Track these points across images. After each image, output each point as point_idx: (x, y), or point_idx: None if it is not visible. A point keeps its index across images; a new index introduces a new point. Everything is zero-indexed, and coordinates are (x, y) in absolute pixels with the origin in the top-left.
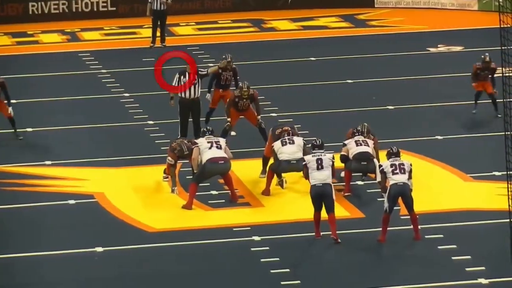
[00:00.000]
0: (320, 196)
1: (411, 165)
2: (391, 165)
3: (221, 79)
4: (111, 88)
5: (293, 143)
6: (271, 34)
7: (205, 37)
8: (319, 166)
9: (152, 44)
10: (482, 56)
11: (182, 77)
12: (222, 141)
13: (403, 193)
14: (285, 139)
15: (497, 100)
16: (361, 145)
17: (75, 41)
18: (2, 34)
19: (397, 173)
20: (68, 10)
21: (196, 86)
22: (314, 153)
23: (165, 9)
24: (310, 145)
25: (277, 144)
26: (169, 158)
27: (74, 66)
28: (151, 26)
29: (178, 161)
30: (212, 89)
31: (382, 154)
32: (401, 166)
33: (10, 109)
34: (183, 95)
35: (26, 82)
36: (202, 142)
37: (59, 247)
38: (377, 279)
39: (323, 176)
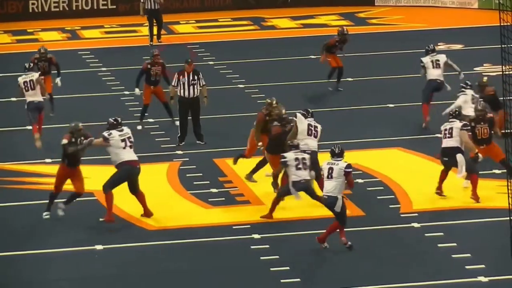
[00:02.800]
0: (327, 206)
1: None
2: (295, 159)
3: (150, 75)
4: (112, 86)
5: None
6: (271, 32)
7: (205, 35)
8: (329, 175)
9: (151, 43)
10: (340, 29)
11: (181, 77)
12: (129, 134)
13: (307, 189)
14: (299, 161)
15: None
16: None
17: (75, 39)
18: (2, 32)
19: (300, 169)
20: (68, 8)
21: (195, 85)
22: (330, 161)
23: (159, 8)
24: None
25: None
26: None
27: (75, 64)
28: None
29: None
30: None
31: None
32: (304, 161)
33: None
34: (182, 94)
35: None
36: (115, 136)
37: (60, 245)
38: (376, 277)
39: (329, 187)
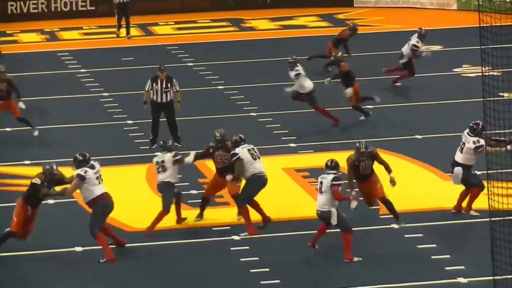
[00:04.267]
0: (321, 219)
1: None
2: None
3: None
4: (90, 88)
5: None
6: (250, 34)
7: (184, 37)
8: (320, 189)
9: (118, 32)
10: (352, 24)
11: (154, 84)
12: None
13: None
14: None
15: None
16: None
17: (54, 41)
18: None
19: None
20: (47, 10)
21: (168, 92)
22: (323, 175)
23: (129, 1)
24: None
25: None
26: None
27: (54, 65)
28: (131, 26)
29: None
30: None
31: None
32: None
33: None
34: (155, 99)
35: None
36: (90, 174)
37: (40, 246)
38: (357, 278)
39: (320, 201)
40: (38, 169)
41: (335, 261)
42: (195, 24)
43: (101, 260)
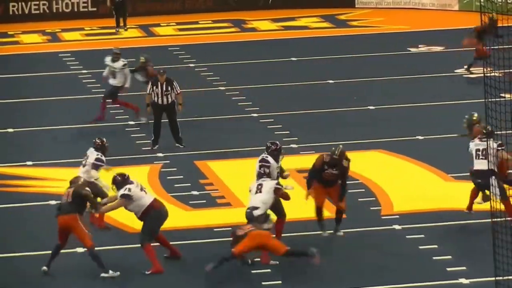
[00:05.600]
0: None
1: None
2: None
3: None
4: (92, 89)
5: None
6: (252, 35)
7: (186, 38)
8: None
9: (117, 29)
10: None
11: (154, 87)
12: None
13: None
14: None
15: None
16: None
17: (55, 42)
18: None
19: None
20: (48, 11)
21: (169, 95)
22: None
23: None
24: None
25: None
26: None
27: (55, 66)
28: (131, 26)
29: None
30: None
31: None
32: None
33: None
34: (156, 100)
35: (7, 83)
36: (134, 189)
37: (40, 247)
38: (358, 279)
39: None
40: (40, 170)
41: (336, 262)
42: (197, 25)
43: (147, 272)
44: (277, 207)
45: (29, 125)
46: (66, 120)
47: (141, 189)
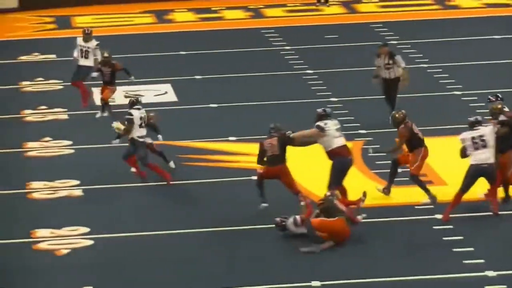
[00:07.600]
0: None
1: None
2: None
3: None
4: (294, 65)
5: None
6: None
7: (388, 15)
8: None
9: (317, 4)
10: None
11: (378, 59)
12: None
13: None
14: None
15: None
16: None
17: (258, 18)
18: (186, 10)
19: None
20: None
21: (391, 69)
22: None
23: None
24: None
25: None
26: None
27: (257, 42)
28: (333, 3)
29: None
30: None
31: None
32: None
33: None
34: (383, 75)
35: (209, 58)
36: (330, 126)
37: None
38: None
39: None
40: (243, 145)
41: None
42: (400, 1)
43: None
44: None
45: (234, 101)
46: (268, 96)
47: (337, 130)
